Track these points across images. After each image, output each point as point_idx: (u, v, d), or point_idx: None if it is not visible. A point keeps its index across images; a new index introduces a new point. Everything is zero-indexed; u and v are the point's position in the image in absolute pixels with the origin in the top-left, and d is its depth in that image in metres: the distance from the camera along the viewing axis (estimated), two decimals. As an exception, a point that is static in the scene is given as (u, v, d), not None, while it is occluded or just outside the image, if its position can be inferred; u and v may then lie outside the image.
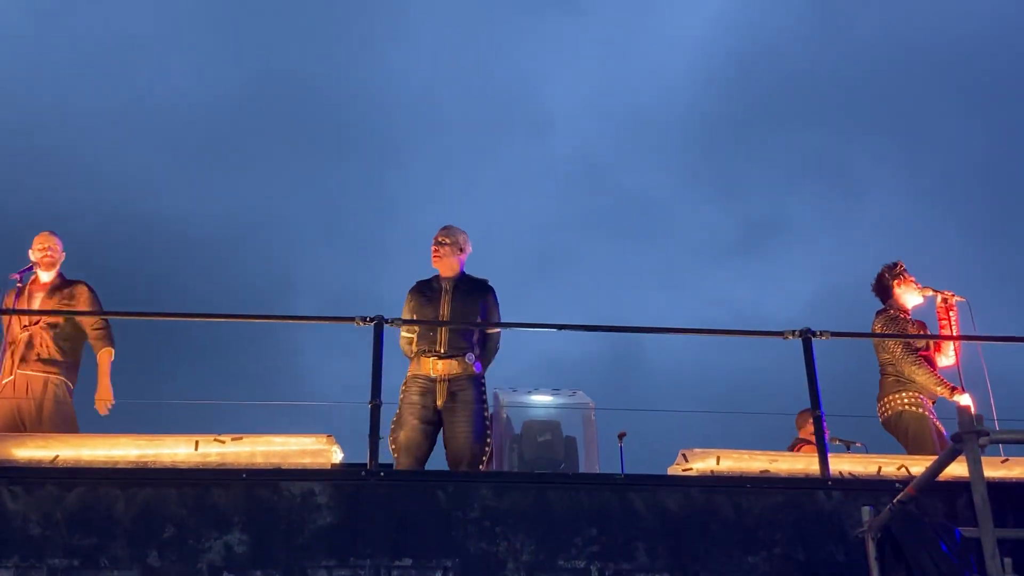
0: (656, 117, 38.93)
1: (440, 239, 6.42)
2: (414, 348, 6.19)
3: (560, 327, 5.94)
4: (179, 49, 36.86)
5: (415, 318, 6.22)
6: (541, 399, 5.94)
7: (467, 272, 6.46)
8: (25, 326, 6.55)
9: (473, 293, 6.30)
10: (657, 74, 38.94)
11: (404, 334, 6.28)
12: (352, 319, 5.51)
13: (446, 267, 6.38)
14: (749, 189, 38.18)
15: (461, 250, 6.43)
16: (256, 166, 36.23)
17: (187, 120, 35.73)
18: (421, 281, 6.44)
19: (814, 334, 5.57)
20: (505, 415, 5.87)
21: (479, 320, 6.19)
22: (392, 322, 5.79)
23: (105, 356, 6.57)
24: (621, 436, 6.41)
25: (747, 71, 38.38)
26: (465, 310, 6.19)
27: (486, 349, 6.28)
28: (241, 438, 5.25)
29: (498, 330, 6.31)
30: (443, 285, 6.34)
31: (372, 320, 5.51)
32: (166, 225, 33.55)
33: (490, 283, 6.42)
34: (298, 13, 37.84)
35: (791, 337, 5.59)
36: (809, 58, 38.08)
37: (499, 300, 6.34)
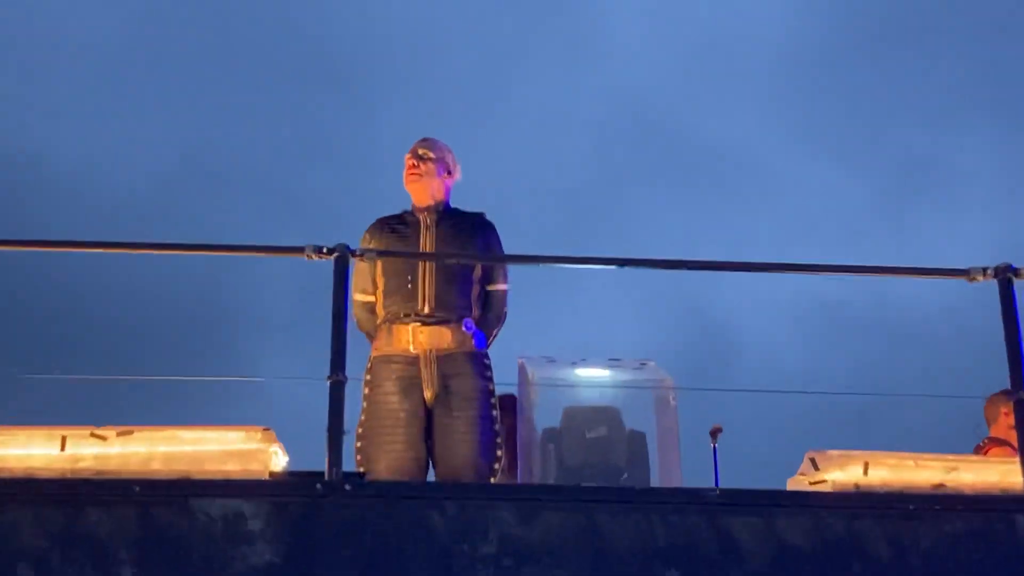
0: (741, 48, 30.12)
1: (420, 151, 4.67)
2: (380, 313, 4.56)
3: (623, 263, 4.19)
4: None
5: (380, 267, 4.58)
6: (591, 374, 4.56)
7: (453, 204, 4.77)
8: None
9: (466, 228, 4.64)
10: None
11: (360, 298, 4.62)
12: (301, 250, 3.79)
13: (424, 192, 4.64)
14: (883, 136, 29.39)
15: (449, 172, 4.70)
16: (233, 96, 32.72)
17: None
18: (383, 217, 4.72)
19: (1016, 273, 4.07)
20: (536, 398, 4.46)
21: (476, 271, 4.58)
22: (362, 254, 4.17)
23: None
24: (715, 433, 5.10)
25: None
26: (457, 251, 4.57)
27: (488, 315, 4.63)
28: (131, 432, 3.84)
29: (504, 287, 4.67)
30: (421, 218, 4.63)
31: (332, 252, 3.81)
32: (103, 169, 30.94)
33: (488, 217, 4.74)
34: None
35: (982, 279, 4.16)
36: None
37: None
